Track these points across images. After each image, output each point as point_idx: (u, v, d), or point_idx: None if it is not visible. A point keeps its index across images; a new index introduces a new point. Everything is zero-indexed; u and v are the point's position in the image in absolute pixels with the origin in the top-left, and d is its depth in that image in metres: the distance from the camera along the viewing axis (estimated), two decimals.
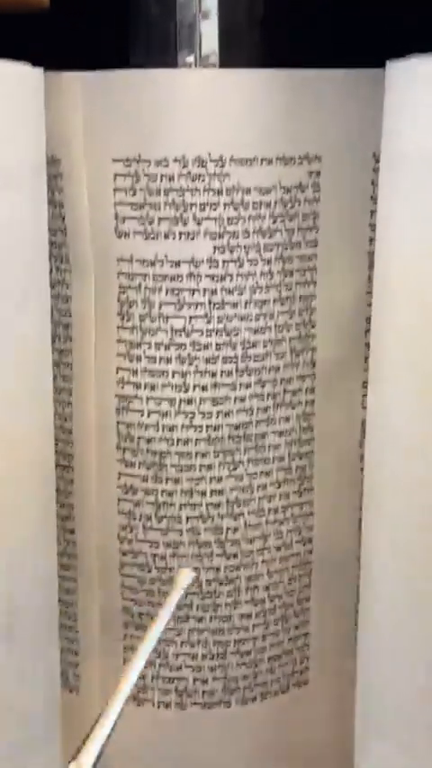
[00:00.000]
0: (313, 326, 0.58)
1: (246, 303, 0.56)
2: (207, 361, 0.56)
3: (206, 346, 0.56)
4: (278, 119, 0.53)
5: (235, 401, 0.57)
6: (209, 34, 0.51)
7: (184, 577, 0.44)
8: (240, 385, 0.56)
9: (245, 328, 0.56)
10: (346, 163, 0.55)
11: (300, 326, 0.57)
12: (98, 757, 0.35)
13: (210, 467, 0.57)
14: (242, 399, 0.57)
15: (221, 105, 0.52)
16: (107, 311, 0.56)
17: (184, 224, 0.54)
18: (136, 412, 0.57)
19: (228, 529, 0.58)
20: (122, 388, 0.57)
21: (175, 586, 0.44)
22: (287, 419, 0.58)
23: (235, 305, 0.55)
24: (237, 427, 0.57)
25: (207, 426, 0.56)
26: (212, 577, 0.58)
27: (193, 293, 0.55)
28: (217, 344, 0.56)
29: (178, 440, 0.57)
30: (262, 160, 0.53)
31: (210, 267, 0.54)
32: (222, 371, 0.56)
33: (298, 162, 0.54)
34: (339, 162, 0.55)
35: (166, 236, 0.54)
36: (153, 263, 0.55)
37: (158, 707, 0.59)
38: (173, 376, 0.55)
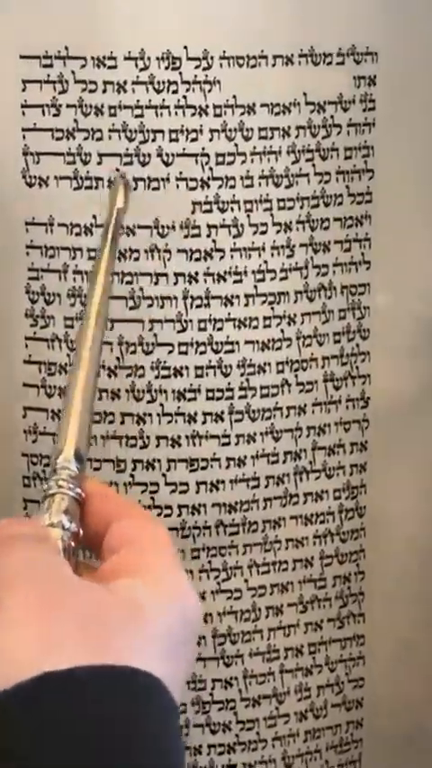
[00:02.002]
0: (365, 338, 0.51)
1: (247, 298, 0.48)
2: (180, 396, 0.49)
3: (179, 371, 0.48)
4: None
5: (228, 465, 0.49)
6: None
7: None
8: (237, 438, 0.49)
9: (245, 341, 0.49)
10: (423, 61, 0.49)
11: (341, 338, 0.50)
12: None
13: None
14: (240, 462, 0.49)
15: None
16: (8, 310, 0.49)
17: (144, 163, 0.47)
18: None
19: (215, 682, 0.51)
20: (34, 441, 0.50)
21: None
22: (319, 496, 0.51)
23: (228, 301, 0.48)
24: (231, 508, 0.50)
25: (180, 507, 0.49)
26: (190, 765, 0.52)
27: (158, 280, 0.48)
28: (197, 368, 0.48)
29: None
30: (274, 58, 0.47)
31: (186, 236, 0.47)
32: (207, 414, 0.49)
33: (336, 61, 0.48)
34: (409, 60, 0.49)
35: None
36: (89, 230, 0.47)
37: None
38: (122, 421, 0.48)
